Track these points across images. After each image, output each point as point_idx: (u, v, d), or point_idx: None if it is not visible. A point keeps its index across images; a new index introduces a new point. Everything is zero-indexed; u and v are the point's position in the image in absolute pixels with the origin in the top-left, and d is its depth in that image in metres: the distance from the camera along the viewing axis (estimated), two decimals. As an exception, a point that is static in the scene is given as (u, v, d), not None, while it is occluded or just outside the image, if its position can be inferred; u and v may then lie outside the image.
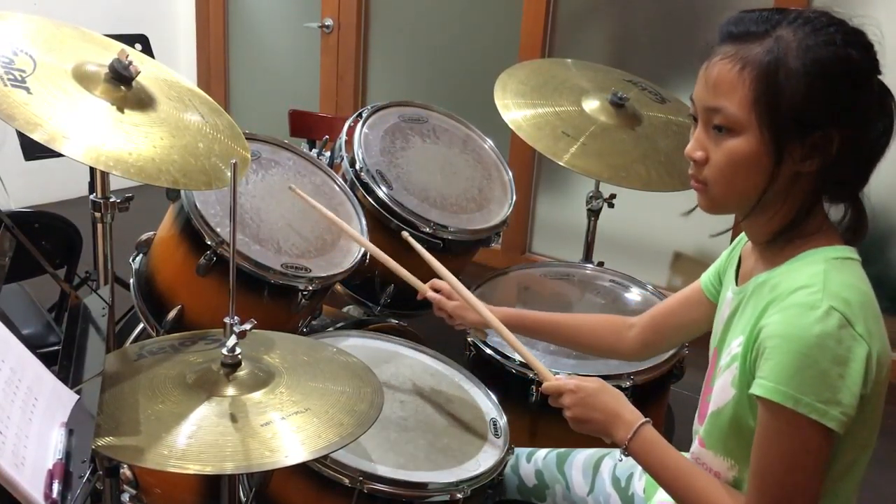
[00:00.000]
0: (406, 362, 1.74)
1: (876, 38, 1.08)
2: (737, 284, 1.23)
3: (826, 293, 1.04)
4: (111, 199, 1.63)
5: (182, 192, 1.67)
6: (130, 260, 1.83)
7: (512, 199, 2.17)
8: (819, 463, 1.06)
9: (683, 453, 1.25)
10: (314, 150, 2.23)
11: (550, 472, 1.57)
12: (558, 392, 1.30)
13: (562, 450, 1.60)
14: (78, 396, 1.10)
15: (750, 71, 1.06)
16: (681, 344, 1.83)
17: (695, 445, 1.25)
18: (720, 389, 1.16)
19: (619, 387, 1.72)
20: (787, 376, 1.03)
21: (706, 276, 1.40)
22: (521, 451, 1.64)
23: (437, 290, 1.62)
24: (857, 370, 1.02)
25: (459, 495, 1.42)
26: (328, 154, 2.16)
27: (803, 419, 1.03)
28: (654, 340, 1.51)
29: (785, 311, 1.06)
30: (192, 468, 1.06)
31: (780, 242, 1.13)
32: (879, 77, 1.09)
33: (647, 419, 1.24)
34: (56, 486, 0.92)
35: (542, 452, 1.61)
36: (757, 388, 1.07)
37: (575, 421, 1.28)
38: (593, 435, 1.29)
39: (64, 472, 0.95)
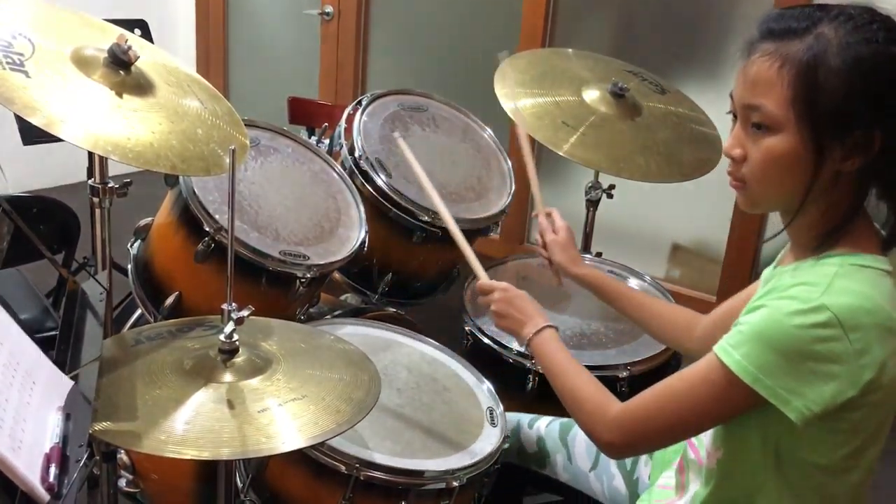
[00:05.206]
0: (403, 350, 1.74)
1: None
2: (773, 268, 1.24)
3: (826, 293, 1.03)
4: (109, 185, 1.63)
5: (180, 178, 1.67)
6: (128, 246, 1.83)
7: (511, 189, 2.17)
8: (707, 423, 1.13)
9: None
10: (313, 138, 2.23)
11: (552, 441, 1.57)
12: (491, 289, 1.51)
13: (565, 420, 1.58)
14: (75, 381, 1.10)
15: (789, 69, 1.05)
16: None
17: None
18: None
19: (615, 377, 1.75)
20: (754, 354, 1.04)
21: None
22: (524, 417, 1.63)
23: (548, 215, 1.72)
24: (834, 372, 1.02)
25: (455, 483, 1.42)
26: (327, 141, 2.16)
27: (747, 390, 1.04)
28: (717, 337, 1.47)
29: (779, 299, 1.06)
30: (189, 454, 1.07)
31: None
32: None
33: (555, 326, 1.40)
34: (53, 470, 0.92)
35: (544, 420, 1.61)
36: (720, 351, 1.08)
37: (497, 315, 1.48)
38: (507, 331, 1.49)
39: (61, 456, 0.95)
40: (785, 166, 1.08)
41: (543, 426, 1.60)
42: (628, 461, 1.50)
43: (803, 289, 1.05)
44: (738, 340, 1.07)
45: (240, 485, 1.52)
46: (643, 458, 1.49)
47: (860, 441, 1.11)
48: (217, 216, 1.64)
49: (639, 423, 1.18)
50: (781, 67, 1.05)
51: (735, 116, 1.14)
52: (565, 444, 1.56)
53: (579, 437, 1.55)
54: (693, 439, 1.28)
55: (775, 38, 1.07)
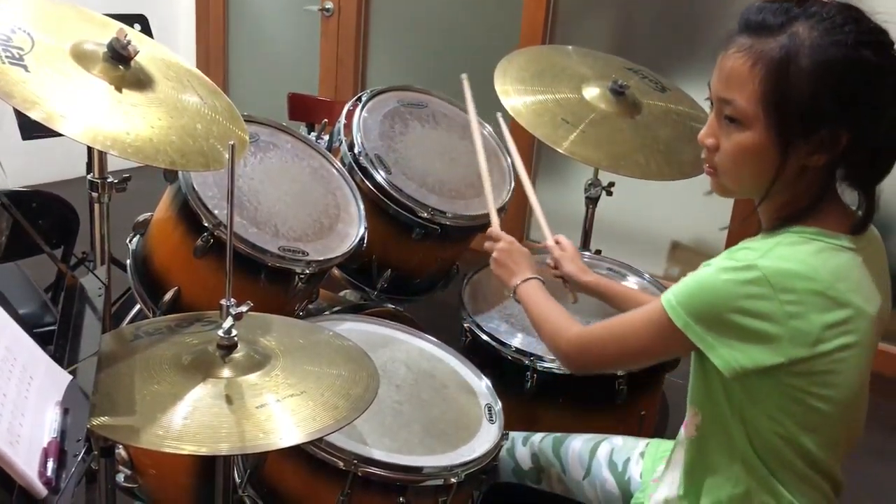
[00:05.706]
0: (402, 347, 1.74)
1: None
2: None
3: (763, 256, 1.08)
4: (108, 180, 1.63)
5: (180, 174, 1.67)
6: (127, 241, 1.83)
7: (510, 186, 2.17)
8: (645, 356, 1.28)
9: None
10: (313, 134, 2.23)
11: (546, 456, 1.58)
12: (499, 238, 1.65)
13: (558, 434, 1.61)
14: (72, 376, 1.10)
15: (761, 67, 1.07)
16: None
17: None
18: None
19: (614, 375, 1.75)
20: (688, 303, 1.11)
21: None
22: (517, 435, 1.65)
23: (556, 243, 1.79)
24: (763, 330, 1.06)
25: (453, 480, 1.43)
26: (326, 138, 2.15)
27: (680, 333, 1.12)
28: None
29: (722, 259, 1.11)
30: (188, 449, 1.07)
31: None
32: None
33: (541, 278, 1.55)
34: (51, 465, 0.92)
35: (538, 436, 1.62)
36: (663, 298, 1.14)
37: (495, 262, 1.63)
38: (501, 278, 1.62)
39: (59, 450, 0.95)
40: (752, 160, 1.12)
41: (537, 442, 1.62)
42: (619, 463, 1.50)
43: (744, 252, 1.10)
44: (679, 289, 1.14)
45: (238, 480, 1.52)
46: (633, 458, 1.50)
47: (818, 416, 1.12)
48: (216, 212, 1.64)
49: (591, 346, 1.32)
50: (754, 65, 1.08)
51: (712, 104, 1.16)
52: (559, 456, 1.57)
53: (572, 448, 1.56)
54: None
55: (751, 33, 1.09)
